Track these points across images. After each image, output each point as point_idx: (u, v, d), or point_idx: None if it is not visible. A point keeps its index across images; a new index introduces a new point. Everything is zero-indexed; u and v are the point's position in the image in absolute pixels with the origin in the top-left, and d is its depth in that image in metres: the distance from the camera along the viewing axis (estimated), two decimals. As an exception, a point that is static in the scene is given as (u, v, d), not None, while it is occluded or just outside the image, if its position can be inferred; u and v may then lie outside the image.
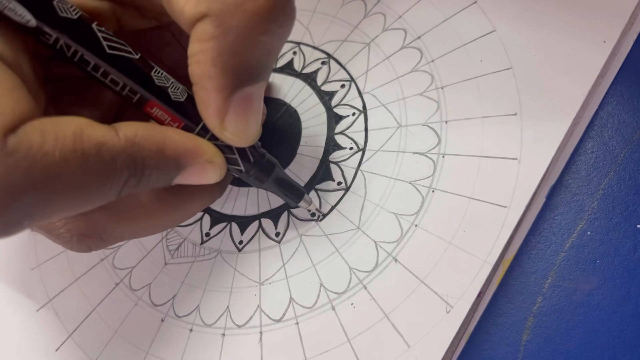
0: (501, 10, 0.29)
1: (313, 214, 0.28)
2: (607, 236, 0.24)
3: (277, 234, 0.28)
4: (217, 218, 0.30)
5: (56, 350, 0.29)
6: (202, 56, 0.19)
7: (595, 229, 0.24)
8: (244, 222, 0.29)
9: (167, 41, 0.25)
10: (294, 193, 0.26)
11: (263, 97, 0.21)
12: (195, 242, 0.29)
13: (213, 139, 0.22)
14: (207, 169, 0.21)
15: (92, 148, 0.17)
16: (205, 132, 0.21)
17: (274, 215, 0.29)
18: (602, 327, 0.22)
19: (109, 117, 0.24)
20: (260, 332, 0.26)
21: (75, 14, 0.19)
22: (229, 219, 0.30)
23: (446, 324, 0.23)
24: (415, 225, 0.26)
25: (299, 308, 0.26)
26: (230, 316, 0.27)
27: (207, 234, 0.29)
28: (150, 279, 0.29)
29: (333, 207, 0.28)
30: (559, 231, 0.25)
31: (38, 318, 0.30)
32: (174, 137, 0.20)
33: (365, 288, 0.25)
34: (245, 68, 0.19)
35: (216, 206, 0.30)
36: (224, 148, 0.22)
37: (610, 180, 0.25)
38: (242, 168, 0.23)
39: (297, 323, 0.25)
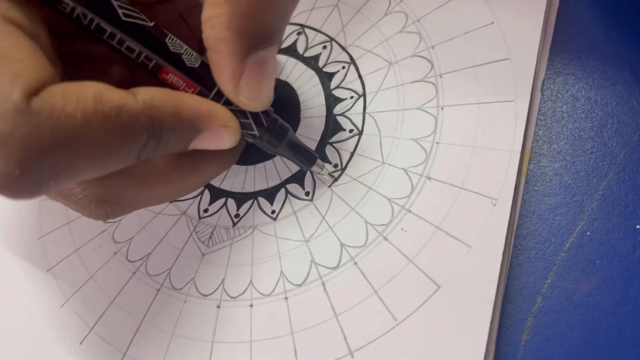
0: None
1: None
2: (607, 237, 0.24)
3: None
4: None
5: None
6: (216, 20, 0.19)
7: (595, 230, 0.24)
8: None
9: (175, 20, 0.26)
10: (306, 157, 0.26)
11: (276, 61, 0.22)
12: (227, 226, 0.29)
13: (227, 104, 0.22)
14: (223, 133, 0.22)
15: (112, 110, 0.17)
16: (219, 98, 0.22)
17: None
18: (602, 327, 0.22)
19: None
20: (286, 298, 0.26)
21: None
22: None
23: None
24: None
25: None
26: (287, 280, 0.26)
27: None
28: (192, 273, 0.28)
29: (353, 153, 0.28)
30: (559, 231, 0.25)
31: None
32: (190, 101, 0.20)
33: (386, 239, 0.26)
34: (259, 31, 0.20)
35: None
36: (238, 113, 0.22)
37: (610, 181, 0.25)
38: (255, 132, 0.24)
39: (323, 282, 0.26)
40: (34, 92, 0.16)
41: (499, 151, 0.25)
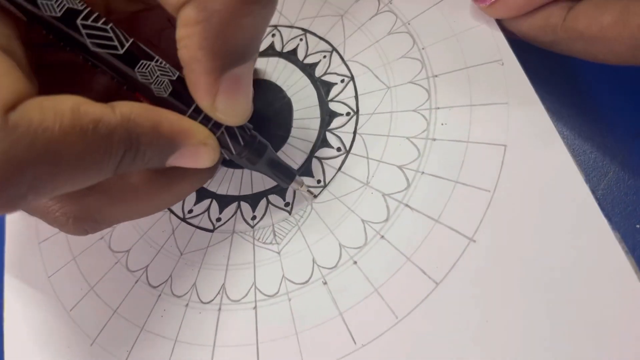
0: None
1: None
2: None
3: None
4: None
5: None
6: (188, 41, 0.19)
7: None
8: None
9: (164, 25, 0.26)
10: (285, 174, 0.27)
11: (252, 76, 0.22)
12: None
13: (204, 123, 0.22)
14: (201, 151, 0.22)
15: (90, 123, 0.18)
16: (197, 115, 0.22)
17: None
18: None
19: (103, 102, 0.24)
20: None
21: (60, 9, 0.19)
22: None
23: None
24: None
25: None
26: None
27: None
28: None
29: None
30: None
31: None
32: (170, 117, 0.21)
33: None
34: (232, 50, 0.20)
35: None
36: (216, 130, 0.23)
37: (610, 181, 0.25)
38: (233, 150, 0.24)
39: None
40: (10, 107, 0.16)
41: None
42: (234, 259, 0.28)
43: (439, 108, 0.28)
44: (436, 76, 0.28)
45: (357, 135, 0.29)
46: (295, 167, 0.29)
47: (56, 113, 0.17)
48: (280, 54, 0.33)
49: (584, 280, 0.22)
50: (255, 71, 0.33)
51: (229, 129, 0.23)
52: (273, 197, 0.29)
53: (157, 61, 0.21)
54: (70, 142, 0.17)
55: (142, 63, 0.21)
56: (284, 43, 0.33)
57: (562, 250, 0.23)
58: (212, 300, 0.27)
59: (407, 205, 0.26)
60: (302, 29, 0.33)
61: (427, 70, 0.29)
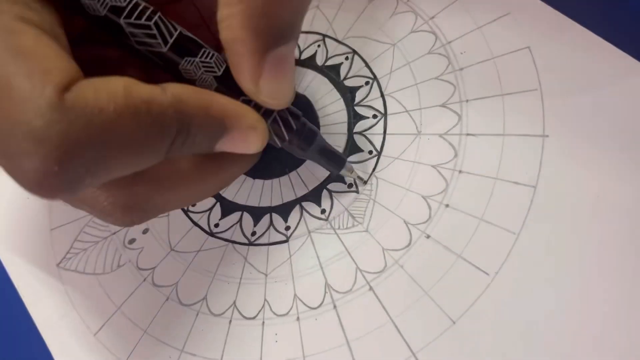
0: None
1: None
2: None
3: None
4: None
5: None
6: (231, 21, 0.19)
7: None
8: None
9: (197, 21, 0.25)
10: (335, 161, 0.26)
11: (294, 57, 0.22)
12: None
13: (255, 109, 0.22)
14: (250, 136, 0.21)
15: (142, 103, 0.17)
16: (246, 104, 0.22)
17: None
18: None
19: None
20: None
21: (104, 8, 0.19)
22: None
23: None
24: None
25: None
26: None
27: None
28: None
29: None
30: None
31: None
32: (220, 99, 0.20)
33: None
34: (276, 29, 0.20)
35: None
36: (267, 117, 0.22)
37: None
38: (285, 136, 0.23)
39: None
40: (65, 87, 0.16)
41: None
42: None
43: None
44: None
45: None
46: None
47: (109, 93, 0.17)
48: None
49: None
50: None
51: (281, 113, 0.23)
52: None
53: (202, 55, 0.21)
54: (124, 123, 0.17)
55: (187, 60, 0.20)
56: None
57: None
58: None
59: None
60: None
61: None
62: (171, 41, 0.20)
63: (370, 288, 0.25)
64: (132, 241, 0.30)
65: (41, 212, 0.32)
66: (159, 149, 0.18)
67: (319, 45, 0.32)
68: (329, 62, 0.31)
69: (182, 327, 0.27)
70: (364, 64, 0.31)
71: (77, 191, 0.17)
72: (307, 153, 0.25)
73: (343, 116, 0.30)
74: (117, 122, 0.17)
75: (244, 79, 0.20)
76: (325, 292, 0.25)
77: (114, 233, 0.30)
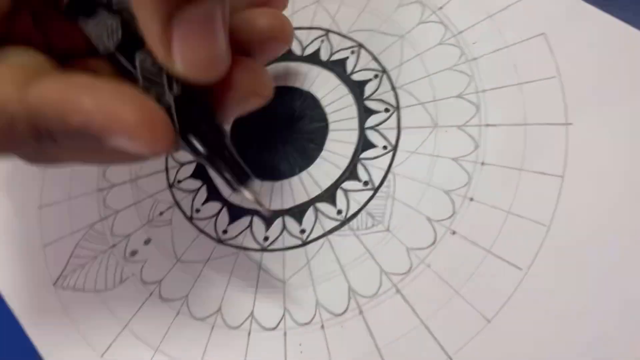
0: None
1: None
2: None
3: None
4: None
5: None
6: None
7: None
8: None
9: None
10: (238, 174, 0.21)
11: (220, 18, 0.18)
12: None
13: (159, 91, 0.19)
14: (127, 143, 0.18)
15: None
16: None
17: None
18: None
19: None
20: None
21: None
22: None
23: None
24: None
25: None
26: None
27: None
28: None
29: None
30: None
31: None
32: (85, 102, 0.17)
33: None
34: None
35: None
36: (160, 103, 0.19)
37: None
38: (177, 128, 0.19)
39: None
40: None
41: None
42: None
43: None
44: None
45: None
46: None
47: None
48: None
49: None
50: (286, 75, 0.30)
51: (180, 102, 0.19)
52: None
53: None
54: None
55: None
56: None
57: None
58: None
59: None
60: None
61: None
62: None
63: (397, 290, 0.24)
64: (133, 253, 0.28)
65: (32, 229, 0.30)
66: (19, 149, 0.19)
67: (322, 41, 0.31)
68: (334, 57, 0.30)
69: (197, 343, 0.25)
70: (371, 57, 0.29)
71: None
72: (202, 156, 0.20)
73: (353, 111, 0.28)
74: None
75: (154, 45, 0.18)
76: (350, 298, 0.24)
77: (113, 246, 0.29)
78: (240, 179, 0.21)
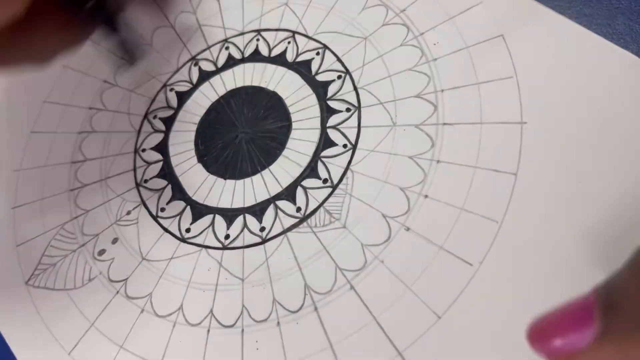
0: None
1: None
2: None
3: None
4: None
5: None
6: None
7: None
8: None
9: None
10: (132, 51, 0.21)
11: None
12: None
13: None
14: None
15: None
16: None
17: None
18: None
19: None
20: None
21: None
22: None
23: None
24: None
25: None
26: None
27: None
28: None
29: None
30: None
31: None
32: None
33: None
34: None
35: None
36: None
37: None
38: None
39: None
40: None
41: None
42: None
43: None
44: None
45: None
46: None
47: None
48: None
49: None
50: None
51: None
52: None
53: None
54: None
55: None
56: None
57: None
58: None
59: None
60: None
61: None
62: None
63: (351, 287, 0.24)
64: (101, 252, 0.29)
65: (5, 228, 0.31)
66: None
67: (289, 42, 0.31)
68: (299, 58, 0.31)
69: (159, 340, 0.25)
70: (335, 59, 0.30)
71: None
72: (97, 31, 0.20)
73: (316, 111, 0.29)
74: None
75: None
76: (305, 294, 0.24)
77: (83, 245, 0.29)
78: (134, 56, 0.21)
